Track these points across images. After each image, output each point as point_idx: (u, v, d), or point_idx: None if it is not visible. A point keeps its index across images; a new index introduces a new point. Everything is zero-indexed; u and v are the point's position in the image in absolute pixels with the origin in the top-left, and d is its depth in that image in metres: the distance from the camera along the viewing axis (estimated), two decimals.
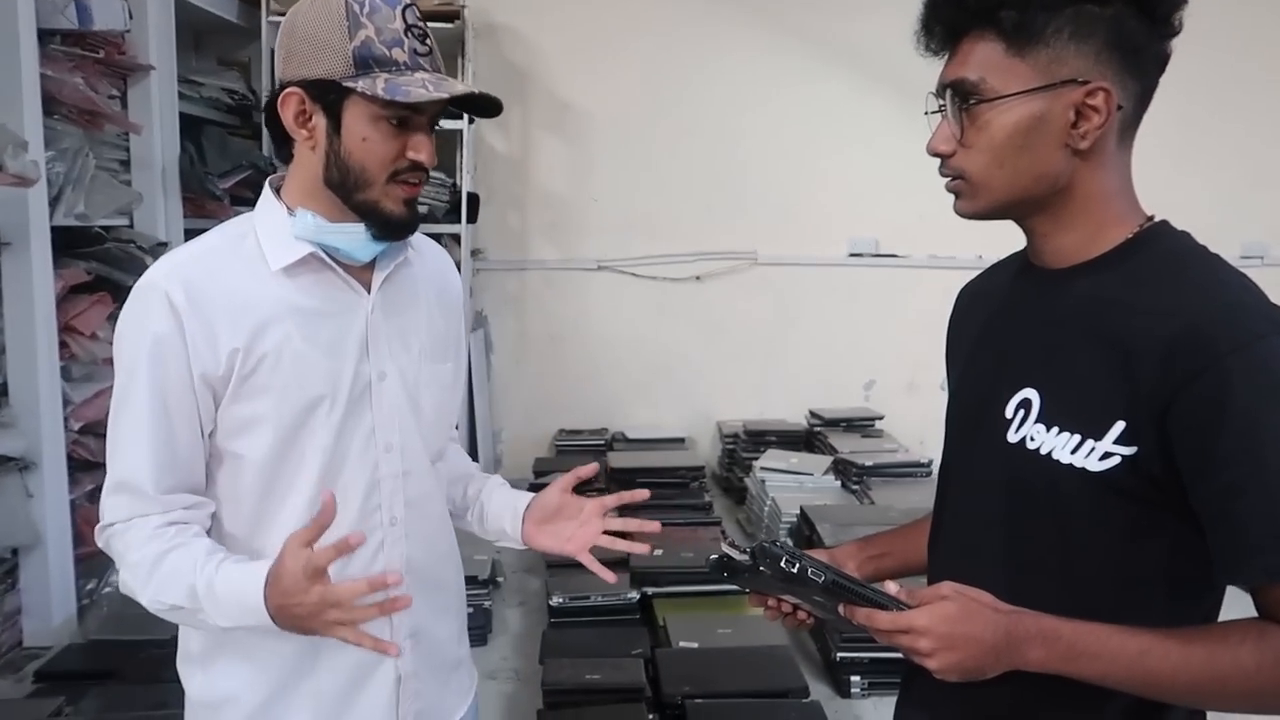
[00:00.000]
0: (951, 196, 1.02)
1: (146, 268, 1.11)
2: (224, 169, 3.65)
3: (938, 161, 1.01)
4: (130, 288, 1.09)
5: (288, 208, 1.12)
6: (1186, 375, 0.86)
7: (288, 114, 1.08)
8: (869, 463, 3.85)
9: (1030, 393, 0.99)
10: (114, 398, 1.11)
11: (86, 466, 3.11)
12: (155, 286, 1.07)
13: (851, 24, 4.65)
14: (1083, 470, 0.92)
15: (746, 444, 4.45)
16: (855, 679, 2.74)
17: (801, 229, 4.81)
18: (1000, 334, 1.08)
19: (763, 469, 3.91)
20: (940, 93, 1.00)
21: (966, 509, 1.07)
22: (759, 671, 2.50)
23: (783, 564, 0.95)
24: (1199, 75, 4.05)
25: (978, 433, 1.05)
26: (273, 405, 1.09)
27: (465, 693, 1.31)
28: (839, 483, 3.87)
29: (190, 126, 3.61)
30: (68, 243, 2.95)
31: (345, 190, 1.08)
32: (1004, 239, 1.13)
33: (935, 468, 3.93)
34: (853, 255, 4.84)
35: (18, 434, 2.68)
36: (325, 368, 1.10)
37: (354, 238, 1.10)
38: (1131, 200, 1.01)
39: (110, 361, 3.35)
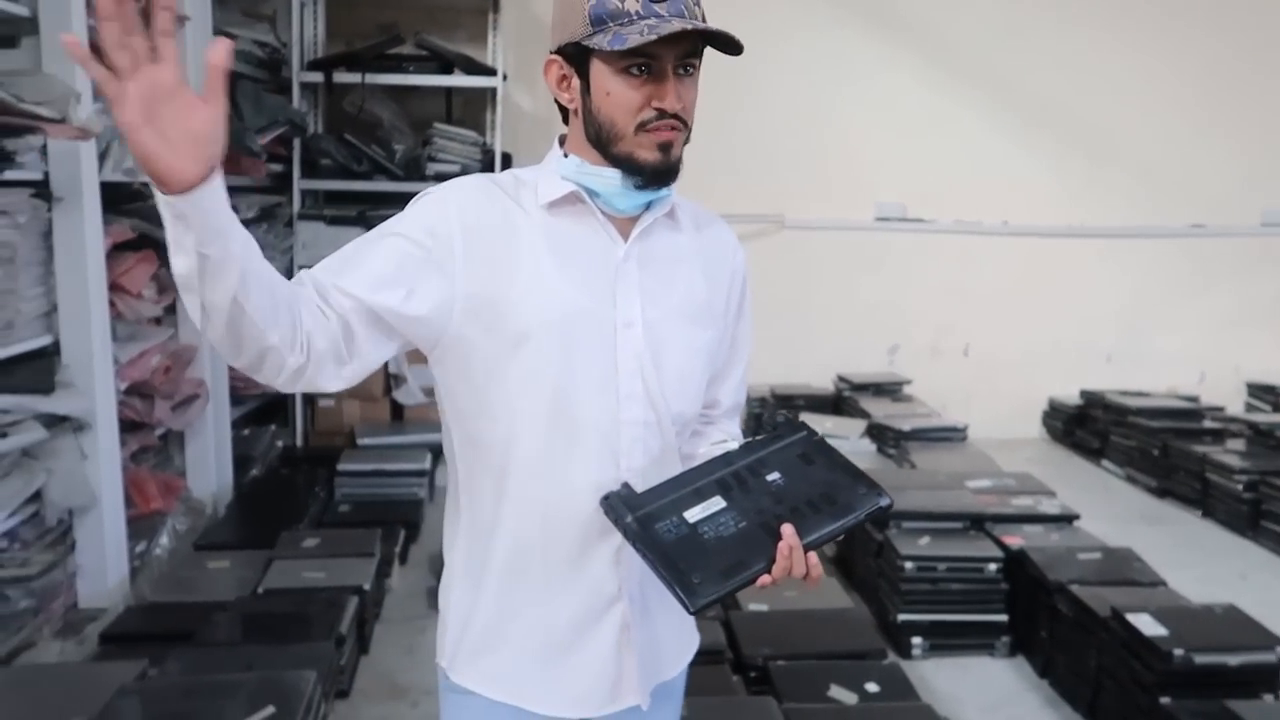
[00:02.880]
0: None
1: None
2: (260, 124, 3.55)
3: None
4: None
5: (565, 155, 1.19)
6: None
7: (550, 80, 1.15)
8: (906, 427, 3.87)
9: None
10: None
11: (133, 427, 3.05)
12: (444, 198, 1.14)
13: None
14: None
15: (775, 408, 4.47)
16: (916, 640, 2.79)
17: (829, 193, 4.79)
18: None
19: None
20: None
21: None
22: (833, 633, 2.53)
23: None
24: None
25: None
26: (505, 317, 1.13)
27: (684, 651, 1.32)
28: (875, 446, 3.90)
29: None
30: (111, 200, 2.87)
31: (602, 145, 1.13)
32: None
33: (969, 432, 4.01)
34: (879, 219, 4.83)
35: (77, 393, 2.61)
36: (566, 297, 1.14)
37: (609, 183, 1.15)
38: None
39: (156, 321, 3.25)
